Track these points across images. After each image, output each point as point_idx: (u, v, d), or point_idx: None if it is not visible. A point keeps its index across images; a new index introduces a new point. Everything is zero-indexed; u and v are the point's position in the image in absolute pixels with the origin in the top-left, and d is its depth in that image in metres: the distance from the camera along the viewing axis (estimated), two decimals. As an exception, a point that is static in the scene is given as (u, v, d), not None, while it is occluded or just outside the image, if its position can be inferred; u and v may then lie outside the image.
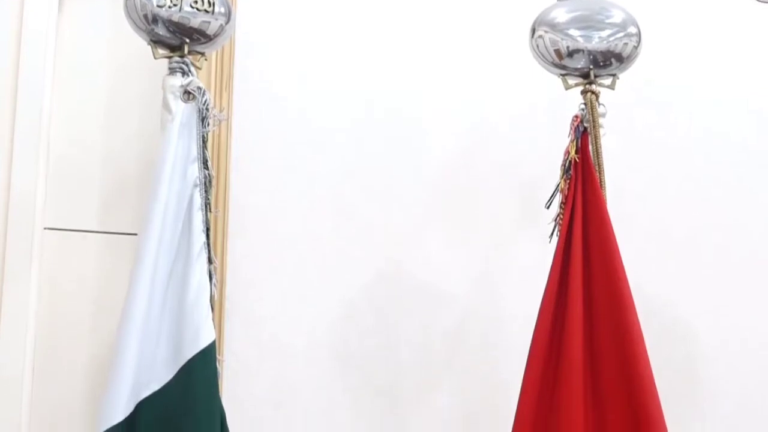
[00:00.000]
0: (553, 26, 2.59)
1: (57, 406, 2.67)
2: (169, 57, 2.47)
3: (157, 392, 2.32)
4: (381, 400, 2.82)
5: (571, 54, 2.59)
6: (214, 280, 2.47)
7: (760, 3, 3.13)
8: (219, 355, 2.45)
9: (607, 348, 2.49)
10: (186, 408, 2.30)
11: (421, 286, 2.89)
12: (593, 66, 2.59)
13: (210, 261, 2.46)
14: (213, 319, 2.41)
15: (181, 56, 2.47)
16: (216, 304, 2.54)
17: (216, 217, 2.66)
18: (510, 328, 2.85)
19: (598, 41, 2.58)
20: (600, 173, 2.57)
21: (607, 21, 2.59)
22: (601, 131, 2.57)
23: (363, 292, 2.87)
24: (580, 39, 2.58)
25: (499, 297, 2.91)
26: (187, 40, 2.46)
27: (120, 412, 2.29)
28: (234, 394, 2.65)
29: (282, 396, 2.77)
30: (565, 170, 2.59)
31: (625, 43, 2.59)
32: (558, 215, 2.59)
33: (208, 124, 2.51)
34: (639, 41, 2.60)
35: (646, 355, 2.48)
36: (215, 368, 2.37)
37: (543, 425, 2.46)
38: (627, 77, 2.63)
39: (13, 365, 2.66)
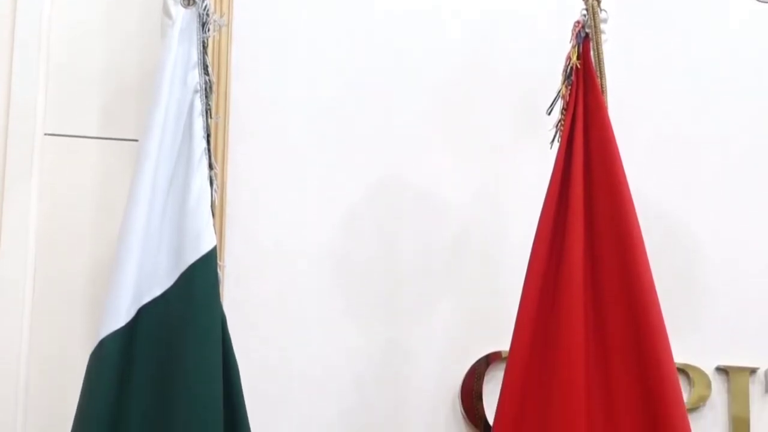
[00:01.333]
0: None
1: (58, 312, 2.68)
2: (170, -38, 2.46)
3: (159, 297, 2.33)
4: (381, 307, 2.83)
5: (573, -43, 2.57)
6: (215, 186, 2.48)
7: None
8: (220, 260, 2.46)
9: (608, 253, 2.50)
10: (187, 313, 2.32)
11: (421, 195, 2.89)
12: (596, -30, 2.57)
13: (211, 167, 2.46)
14: (214, 225, 2.42)
15: (181, -39, 2.45)
16: (217, 210, 2.55)
17: (217, 124, 2.64)
18: (511, 235, 2.84)
19: (601, -56, 2.55)
20: (601, 79, 2.56)
21: (611, -76, 2.57)
22: (603, 37, 2.55)
23: (364, 200, 2.87)
24: (583, -58, 2.56)
25: (499, 204, 2.90)
26: (188, -56, 2.45)
27: (122, 318, 2.31)
28: (235, 299, 2.66)
29: (282, 302, 2.78)
30: (567, 76, 2.58)
31: (629, -53, 2.57)
32: (559, 121, 2.58)
33: (209, 30, 2.49)
34: (642, -55, 2.58)
35: (647, 260, 2.49)
36: (216, 274, 2.38)
37: (543, 331, 2.48)
38: (630, -18, 2.62)
39: (14, 271, 2.66)
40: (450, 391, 2.82)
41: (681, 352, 2.63)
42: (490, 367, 2.82)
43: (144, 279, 2.34)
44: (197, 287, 2.34)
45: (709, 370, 2.92)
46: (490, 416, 2.68)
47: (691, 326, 2.90)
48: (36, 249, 2.70)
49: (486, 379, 2.81)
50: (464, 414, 2.80)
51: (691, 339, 2.88)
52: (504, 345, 2.58)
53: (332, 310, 2.81)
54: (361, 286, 2.84)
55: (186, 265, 2.35)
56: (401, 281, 2.85)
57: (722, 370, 2.93)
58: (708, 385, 2.91)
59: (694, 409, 2.85)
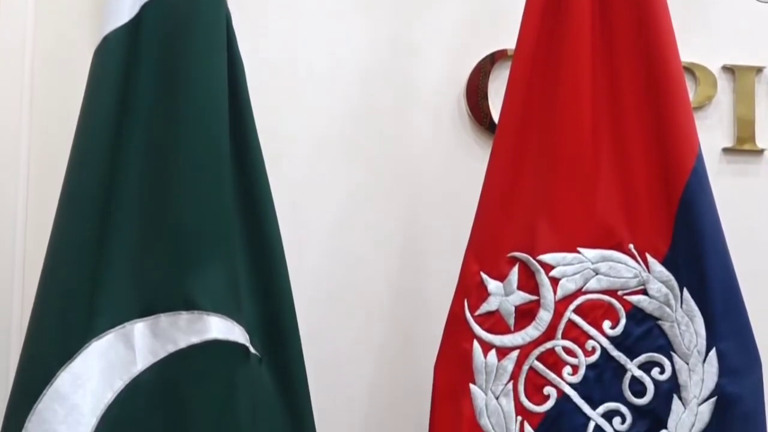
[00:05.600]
0: None
1: (63, 10, 2.67)
2: None
3: None
4: (388, 2, 2.82)
5: None
6: None
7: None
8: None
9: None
10: (191, 9, 2.27)
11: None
12: None
13: None
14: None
15: None
16: None
17: None
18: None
19: None
20: None
21: None
22: None
23: None
24: None
25: None
26: None
27: (125, 15, 2.28)
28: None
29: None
30: None
31: None
32: None
33: None
34: None
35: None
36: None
37: (549, 28, 2.47)
38: None
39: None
40: (455, 88, 2.81)
41: (687, 51, 2.62)
42: (496, 65, 2.81)
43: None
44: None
45: (715, 68, 2.91)
46: (495, 115, 2.71)
47: (697, 24, 2.87)
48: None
49: (492, 77, 2.80)
50: (469, 112, 2.81)
51: (698, 37, 2.86)
52: (510, 43, 2.56)
53: (339, 3, 2.78)
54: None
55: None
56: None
57: (728, 69, 2.92)
58: (714, 84, 2.90)
59: (700, 108, 2.85)
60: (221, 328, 2.22)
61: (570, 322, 2.38)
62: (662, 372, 2.37)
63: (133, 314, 2.22)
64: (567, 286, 2.39)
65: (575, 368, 2.36)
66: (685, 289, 2.38)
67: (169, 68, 2.27)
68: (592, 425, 2.35)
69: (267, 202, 2.35)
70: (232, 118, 2.31)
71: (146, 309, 2.22)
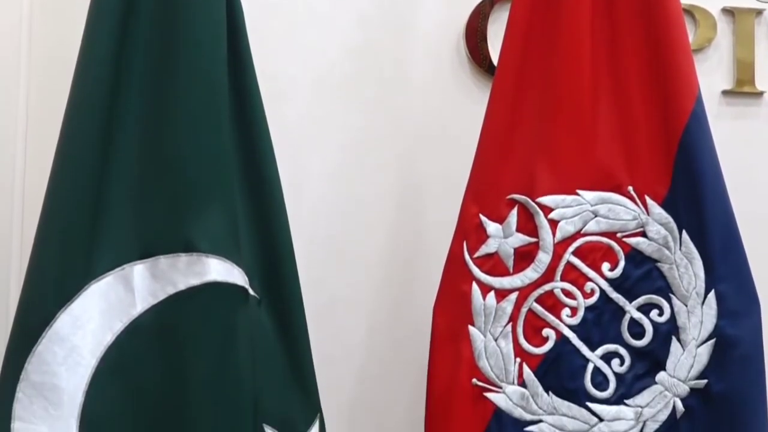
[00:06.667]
0: None
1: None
2: None
3: None
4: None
5: None
6: None
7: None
8: None
9: None
10: None
11: None
12: None
13: None
14: None
15: None
16: None
17: None
18: None
19: None
20: None
21: None
22: None
23: None
24: None
25: None
26: None
27: None
28: None
29: None
30: None
31: None
32: None
33: None
34: None
35: None
36: None
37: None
38: None
39: None
40: (454, 30, 2.80)
41: (686, -7, 2.62)
42: (495, 7, 2.79)
43: None
44: None
45: (714, 10, 2.90)
46: (495, 57, 2.70)
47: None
48: None
49: (491, 19, 2.79)
50: (468, 54, 2.79)
51: (697, -21, 2.86)
52: (509, -14, 2.56)
53: None
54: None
55: None
56: None
57: (728, 11, 2.90)
58: (713, 26, 2.89)
59: (699, 50, 2.84)
60: (220, 270, 2.22)
61: (569, 264, 2.38)
62: (661, 314, 2.38)
63: (133, 256, 2.22)
64: (566, 228, 2.39)
65: (574, 310, 2.37)
66: (684, 232, 2.39)
67: (168, 9, 2.25)
68: (590, 367, 2.37)
69: (266, 144, 2.34)
70: (231, 61, 2.29)
71: (146, 251, 2.22)
